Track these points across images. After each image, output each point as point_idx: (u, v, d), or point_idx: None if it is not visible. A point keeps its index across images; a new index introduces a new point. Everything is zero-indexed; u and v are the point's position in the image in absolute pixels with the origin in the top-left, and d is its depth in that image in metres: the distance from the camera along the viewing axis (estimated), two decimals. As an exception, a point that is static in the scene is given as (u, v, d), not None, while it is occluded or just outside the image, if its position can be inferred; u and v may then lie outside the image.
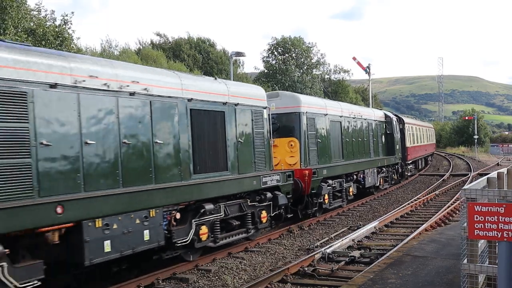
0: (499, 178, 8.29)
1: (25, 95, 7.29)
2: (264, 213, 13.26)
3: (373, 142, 23.95)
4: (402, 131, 29.62)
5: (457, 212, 18.05)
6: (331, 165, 18.13)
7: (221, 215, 11.52)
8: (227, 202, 11.75)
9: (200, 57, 46.20)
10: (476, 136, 63.58)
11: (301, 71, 53.46)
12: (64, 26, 22.52)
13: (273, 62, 54.06)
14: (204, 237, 10.90)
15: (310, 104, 17.45)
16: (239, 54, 23.27)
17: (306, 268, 10.63)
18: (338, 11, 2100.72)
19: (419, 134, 36.79)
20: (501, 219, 4.75)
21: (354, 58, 42.48)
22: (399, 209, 18.94)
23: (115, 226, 8.28)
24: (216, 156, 11.53)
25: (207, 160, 11.19)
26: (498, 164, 47.00)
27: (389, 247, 12.50)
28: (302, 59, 54.50)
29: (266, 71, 53.75)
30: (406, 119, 32.64)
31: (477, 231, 4.87)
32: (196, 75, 12.51)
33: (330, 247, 12.21)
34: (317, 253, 11.70)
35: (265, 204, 13.20)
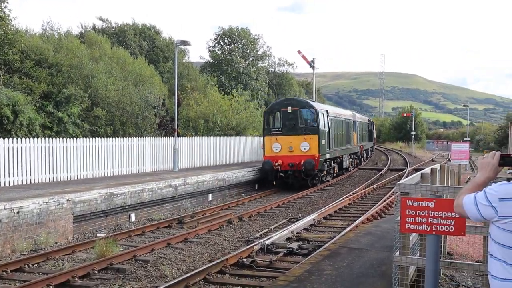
0: (432, 174, 8.60)
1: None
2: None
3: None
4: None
5: (393, 205, 18.61)
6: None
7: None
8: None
9: (145, 44, 45.39)
10: (413, 133, 65.42)
11: (247, 62, 53.47)
12: (-1, 5, 21.60)
13: (219, 52, 53.78)
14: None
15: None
16: (184, 42, 23.03)
17: (245, 259, 10.70)
18: (288, 3, 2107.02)
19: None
20: (431, 213, 4.93)
21: (299, 52, 42.81)
22: (338, 201, 19.35)
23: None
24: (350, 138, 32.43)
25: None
26: (432, 160, 48.77)
27: (327, 239, 12.75)
28: (248, 51, 54.52)
29: (211, 60, 53.36)
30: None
31: (408, 225, 5.05)
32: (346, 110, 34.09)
33: (269, 238, 12.34)
34: (256, 244, 11.80)
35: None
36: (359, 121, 38.52)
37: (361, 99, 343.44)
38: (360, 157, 38.96)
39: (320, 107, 27.34)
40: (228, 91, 43.54)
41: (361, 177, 31.64)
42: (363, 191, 22.95)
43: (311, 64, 43.06)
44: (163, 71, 41.85)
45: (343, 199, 20.30)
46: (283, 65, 63.42)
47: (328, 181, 27.61)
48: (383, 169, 35.80)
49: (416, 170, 34.70)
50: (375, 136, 56.24)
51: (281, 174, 24.82)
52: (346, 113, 34.57)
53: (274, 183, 24.92)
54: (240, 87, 46.97)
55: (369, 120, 48.33)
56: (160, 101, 30.61)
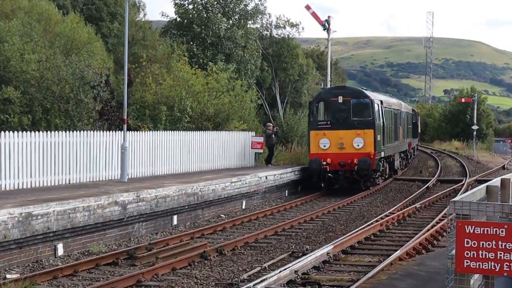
0: (503, 187, 8.52)
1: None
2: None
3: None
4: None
5: (444, 234, 18.59)
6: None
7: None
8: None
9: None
10: (475, 127, 65.47)
11: (230, 22, 53.29)
12: None
13: (190, 7, 53.58)
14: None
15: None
16: (138, -8, 22.94)
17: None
18: None
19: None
20: (501, 245, 4.88)
21: (307, 7, 42.80)
22: (364, 228, 19.32)
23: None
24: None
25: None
26: (504, 168, 48.94)
27: (347, 283, 12.70)
28: (232, 5, 54.35)
29: (178, 19, 53.14)
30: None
31: (468, 262, 5.00)
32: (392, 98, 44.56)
33: (262, 281, 12.28)
34: (243, 290, 11.75)
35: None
36: (404, 112, 42.98)
37: (398, 77, 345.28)
38: (408, 156, 45.79)
39: (375, 96, 33.08)
40: (203, 64, 43.31)
41: (398, 191, 31.71)
42: (400, 212, 22.96)
43: (325, 25, 43.10)
44: (107, 34, 41.63)
45: (371, 224, 20.29)
46: (284, 27, 63.34)
47: (378, 184, 33.30)
48: (430, 180, 35.87)
49: (480, 182, 34.81)
50: (419, 131, 57.37)
51: (329, 174, 29.94)
52: (394, 102, 40.17)
53: (323, 185, 30.29)
54: (221, 59, 46.85)
55: (413, 110, 51.07)
56: (102, 78, 30.42)
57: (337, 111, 30.70)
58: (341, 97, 30.51)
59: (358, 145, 29.88)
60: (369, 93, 32.75)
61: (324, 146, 30.19)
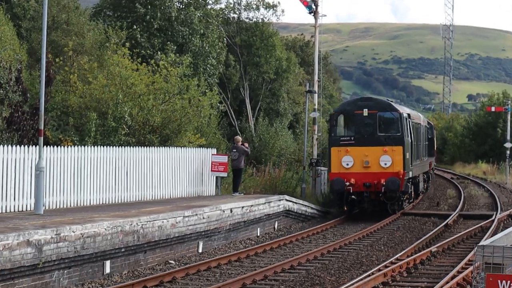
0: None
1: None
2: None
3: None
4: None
5: (469, 288, 18.70)
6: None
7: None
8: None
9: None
10: (509, 145, 65.90)
11: (185, 1, 53.40)
12: None
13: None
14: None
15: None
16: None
17: None
18: None
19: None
20: (545, 306, 4.95)
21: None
22: (362, 279, 19.34)
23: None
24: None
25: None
26: (547, 200, 49.25)
27: None
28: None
29: (115, -1, 53.05)
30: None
31: (501, 328, 5.05)
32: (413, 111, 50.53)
33: None
34: None
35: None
36: (423, 125, 47.41)
37: (408, 78, 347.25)
38: (430, 178, 52.13)
39: (403, 109, 37.50)
40: (149, 56, 43.32)
41: (408, 230, 31.86)
42: (410, 258, 23.02)
43: (312, 7, 43.40)
44: (20, 15, 41.51)
45: (372, 273, 20.34)
46: (257, 9, 63.54)
47: (403, 208, 38.08)
48: (450, 215, 36.04)
49: (515, 218, 35.11)
50: (435, 148, 58.58)
51: (353, 196, 34.24)
52: (416, 115, 45.00)
53: (346, 208, 34.99)
54: (172, 50, 46.89)
55: (428, 123, 54.39)
56: (11, 74, 30.32)
57: (362, 125, 35.22)
58: (367, 109, 34.73)
59: (385, 164, 34.19)
60: (397, 105, 37.30)
61: (347, 164, 34.51)
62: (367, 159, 34.23)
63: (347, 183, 33.67)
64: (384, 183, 33.46)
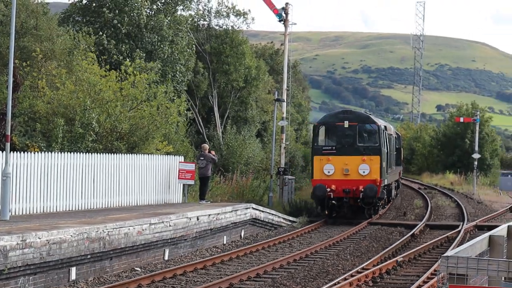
0: (511, 238, 8.69)
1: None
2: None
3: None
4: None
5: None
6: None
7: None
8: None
9: None
10: (476, 155, 66.14)
11: (154, 7, 53.33)
12: None
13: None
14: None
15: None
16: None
17: None
18: None
19: None
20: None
21: (258, -9, 43.17)
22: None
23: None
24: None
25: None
26: (512, 210, 49.71)
27: None
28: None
29: (85, 1, 52.96)
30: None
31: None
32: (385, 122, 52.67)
33: None
34: None
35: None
36: (394, 136, 50.27)
37: (377, 87, 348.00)
38: (399, 186, 56.53)
39: (380, 122, 41.28)
40: (117, 62, 43.18)
41: (374, 240, 32.00)
42: (376, 267, 23.17)
43: (282, 15, 43.49)
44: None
45: (338, 283, 20.44)
46: (227, 16, 63.57)
47: (377, 213, 41.28)
48: (416, 224, 36.26)
49: (481, 228, 35.38)
50: (402, 158, 60.10)
51: (333, 202, 37.45)
52: (389, 127, 47.97)
53: (327, 212, 38.42)
54: (140, 56, 46.81)
55: (396, 133, 56.85)
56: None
57: (342, 136, 38.57)
58: (347, 121, 38.13)
59: (364, 172, 37.59)
60: (375, 118, 40.74)
61: (329, 172, 38.01)
62: (347, 167, 37.72)
63: (328, 189, 36.93)
64: (362, 190, 36.78)
